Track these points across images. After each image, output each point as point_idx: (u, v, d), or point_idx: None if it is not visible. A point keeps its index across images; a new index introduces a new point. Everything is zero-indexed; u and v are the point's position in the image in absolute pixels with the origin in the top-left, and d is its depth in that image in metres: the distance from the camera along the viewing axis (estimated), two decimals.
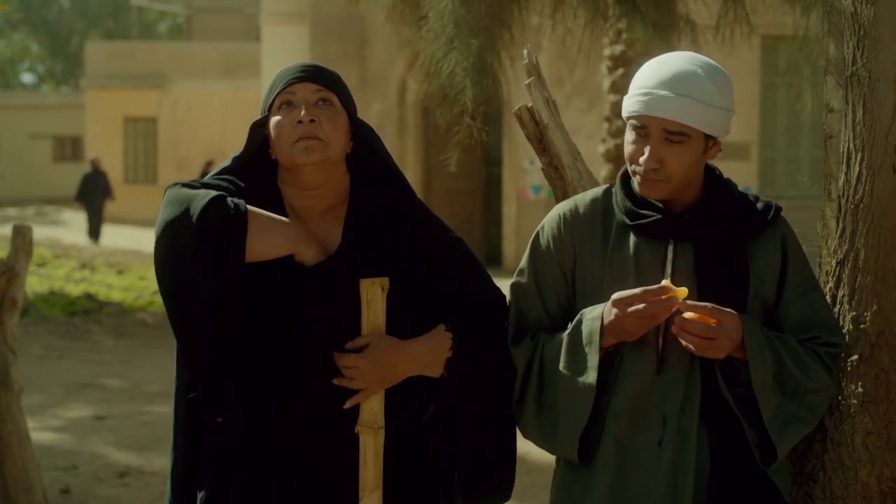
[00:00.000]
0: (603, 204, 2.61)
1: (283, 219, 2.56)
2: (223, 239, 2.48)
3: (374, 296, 2.53)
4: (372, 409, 2.54)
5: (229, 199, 2.51)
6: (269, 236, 2.52)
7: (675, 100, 2.45)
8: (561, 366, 2.54)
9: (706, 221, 2.52)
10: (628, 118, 2.51)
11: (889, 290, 2.64)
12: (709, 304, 2.44)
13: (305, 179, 2.61)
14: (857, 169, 2.65)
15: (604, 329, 2.49)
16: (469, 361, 2.58)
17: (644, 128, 2.48)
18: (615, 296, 2.48)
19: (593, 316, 2.51)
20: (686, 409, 2.49)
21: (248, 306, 2.53)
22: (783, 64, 15.12)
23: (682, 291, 2.44)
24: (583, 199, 2.65)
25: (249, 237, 2.50)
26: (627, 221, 2.54)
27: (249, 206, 2.53)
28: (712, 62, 2.53)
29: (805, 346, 2.54)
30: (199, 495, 2.61)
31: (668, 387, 2.49)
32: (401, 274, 2.59)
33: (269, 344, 2.55)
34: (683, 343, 2.44)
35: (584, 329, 2.52)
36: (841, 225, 2.70)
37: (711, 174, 2.58)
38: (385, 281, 2.54)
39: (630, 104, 2.50)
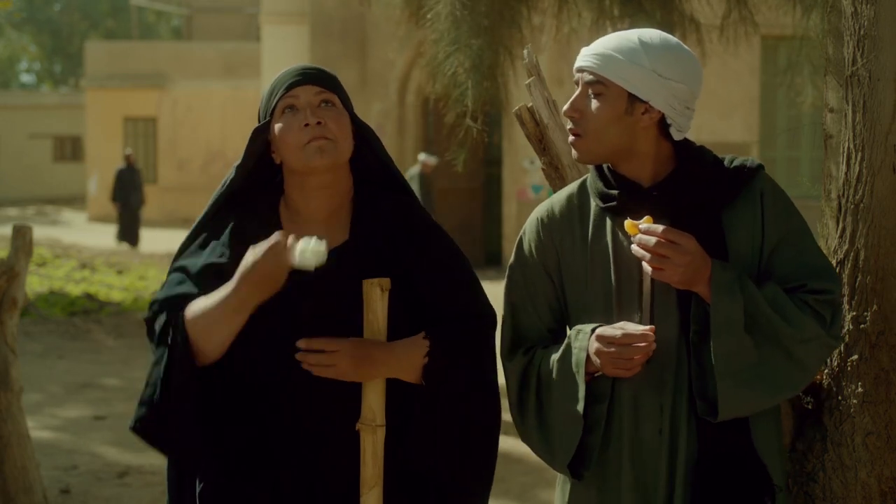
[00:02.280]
0: (579, 198, 2.61)
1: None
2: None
3: (373, 296, 2.54)
4: (371, 408, 2.55)
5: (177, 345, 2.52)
6: (262, 286, 2.51)
7: (596, 52, 2.51)
8: (553, 389, 2.57)
9: (677, 194, 2.49)
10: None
11: (889, 290, 2.64)
12: (662, 226, 2.42)
13: (314, 181, 2.61)
14: (856, 169, 2.65)
15: (590, 359, 2.50)
16: (444, 373, 2.56)
17: (577, 82, 2.55)
18: (599, 330, 2.48)
19: (579, 346, 2.52)
20: (678, 396, 2.48)
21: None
22: (783, 64, 15.12)
23: (647, 219, 2.44)
24: (558, 197, 2.65)
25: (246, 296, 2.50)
26: (600, 204, 2.55)
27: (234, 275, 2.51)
28: (668, 37, 2.54)
29: (792, 295, 2.47)
30: (198, 491, 2.62)
31: (662, 375, 2.49)
32: (400, 279, 2.59)
33: (270, 341, 2.55)
34: (645, 265, 2.43)
35: (572, 358, 2.53)
36: (841, 225, 2.70)
37: (684, 146, 2.55)
38: (385, 282, 2.54)
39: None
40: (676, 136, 2.51)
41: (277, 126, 2.60)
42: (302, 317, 2.56)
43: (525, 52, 3.07)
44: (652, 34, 2.52)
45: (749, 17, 6.71)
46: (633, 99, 2.48)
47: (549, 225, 2.61)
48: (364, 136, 2.67)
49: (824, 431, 2.68)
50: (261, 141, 2.64)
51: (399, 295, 2.58)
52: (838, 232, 2.71)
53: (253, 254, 2.46)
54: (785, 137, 14.83)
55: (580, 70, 2.53)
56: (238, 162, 2.68)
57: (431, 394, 2.57)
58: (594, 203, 2.57)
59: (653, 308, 2.49)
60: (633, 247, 2.43)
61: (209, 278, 2.57)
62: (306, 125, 2.56)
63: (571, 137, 2.54)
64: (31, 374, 8.73)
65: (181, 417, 2.54)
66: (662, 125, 2.51)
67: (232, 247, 2.62)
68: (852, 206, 2.66)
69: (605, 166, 2.57)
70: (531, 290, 2.62)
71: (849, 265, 2.67)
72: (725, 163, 2.54)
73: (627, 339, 2.43)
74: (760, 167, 2.54)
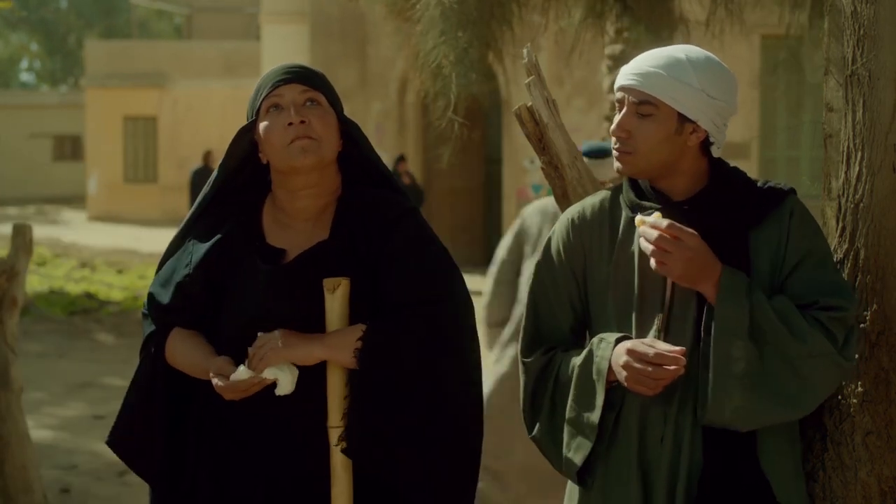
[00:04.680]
0: (611, 203, 2.61)
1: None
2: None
3: (326, 296, 2.53)
4: (336, 410, 2.53)
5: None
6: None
7: (645, 72, 2.48)
8: (570, 396, 2.55)
9: (706, 211, 2.50)
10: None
11: (889, 289, 2.64)
12: (667, 221, 2.42)
13: (299, 181, 2.60)
14: (856, 168, 2.64)
15: (611, 369, 2.48)
16: (379, 356, 2.49)
17: (621, 101, 2.53)
18: (630, 344, 2.45)
19: (602, 355, 2.50)
20: (684, 406, 2.48)
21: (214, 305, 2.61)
22: (783, 63, 15.11)
23: (657, 215, 2.44)
24: (591, 200, 2.65)
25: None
26: (630, 214, 2.55)
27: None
28: (711, 55, 2.53)
29: (803, 311, 2.45)
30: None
31: (673, 386, 2.47)
32: (373, 274, 2.57)
33: (245, 342, 2.54)
34: (649, 255, 2.43)
35: (594, 365, 2.52)
36: (841, 224, 2.70)
37: (718, 165, 2.56)
38: (337, 281, 2.52)
39: (616, 79, 2.56)
40: (716, 153, 2.53)
41: (262, 125, 2.60)
42: (277, 316, 2.54)
43: (525, 51, 3.07)
44: (697, 52, 2.52)
45: (737, 13, 6.68)
46: (682, 119, 2.48)
47: (579, 226, 2.61)
48: (352, 135, 2.66)
49: (824, 430, 2.68)
50: (247, 140, 2.64)
51: (368, 292, 2.55)
52: (838, 231, 2.71)
53: (221, 384, 2.51)
54: (785, 137, 14.83)
55: (624, 89, 2.51)
56: (221, 161, 2.68)
57: (367, 380, 2.49)
58: (625, 212, 2.57)
59: (669, 320, 2.49)
60: (639, 239, 2.44)
61: (179, 293, 2.63)
62: (290, 124, 2.55)
63: (617, 154, 2.53)
64: (31, 373, 8.73)
65: (151, 434, 2.64)
66: (704, 143, 2.52)
67: (210, 250, 2.63)
68: (852, 206, 2.66)
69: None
70: (556, 290, 2.62)
71: (849, 264, 2.67)
72: (759, 184, 2.55)
73: (660, 360, 2.40)
74: (792, 191, 2.54)
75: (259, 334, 2.51)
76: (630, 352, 2.44)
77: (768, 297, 2.46)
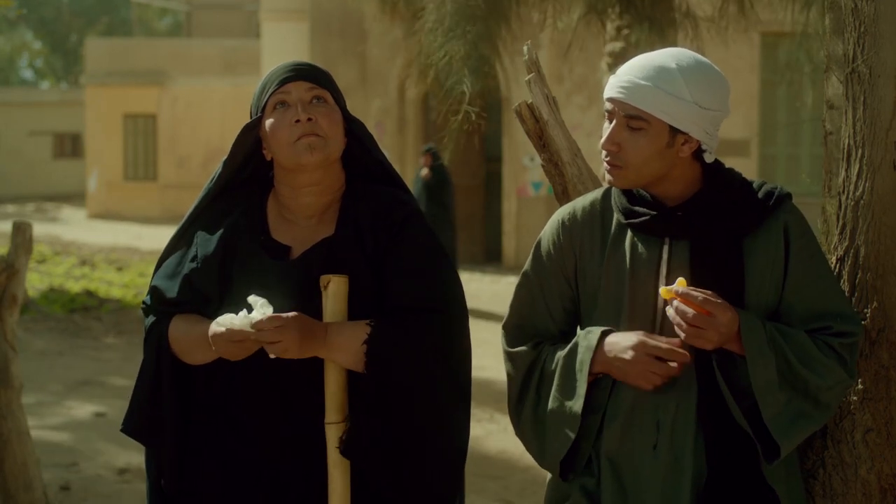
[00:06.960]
0: (602, 205, 2.60)
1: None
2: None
3: (323, 292, 2.54)
4: (333, 406, 2.54)
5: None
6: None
7: (636, 85, 2.44)
8: (554, 387, 2.55)
9: (700, 217, 2.48)
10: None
11: (889, 286, 2.64)
12: (701, 295, 2.40)
13: (304, 178, 2.60)
14: (857, 165, 2.64)
15: (595, 359, 2.48)
16: (385, 361, 2.51)
17: (611, 112, 2.50)
18: (642, 338, 2.45)
19: (587, 346, 2.50)
20: (680, 414, 2.47)
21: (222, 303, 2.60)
22: (783, 60, 15.10)
23: (680, 282, 2.43)
24: (582, 202, 2.64)
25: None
26: (622, 220, 2.53)
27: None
28: (702, 59, 2.50)
29: (816, 337, 2.48)
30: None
31: (662, 392, 2.48)
32: (377, 271, 2.58)
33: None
34: (676, 329, 2.42)
35: (578, 357, 2.51)
36: (841, 221, 2.70)
37: (713, 167, 2.53)
38: (330, 277, 2.53)
39: (605, 88, 2.53)
40: (709, 160, 2.51)
41: (268, 122, 2.60)
42: (284, 312, 2.53)
43: (525, 48, 3.07)
44: (687, 59, 2.48)
45: (749, 9, 6.69)
46: (674, 131, 2.45)
47: (570, 228, 2.60)
48: (356, 133, 2.66)
49: (824, 428, 2.68)
50: (252, 137, 2.64)
51: (372, 290, 2.56)
52: (838, 228, 2.70)
53: (214, 337, 2.51)
54: (785, 134, 14.83)
55: (614, 101, 2.48)
56: (226, 157, 2.69)
57: (373, 383, 2.52)
58: (616, 216, 2.56)
59: (664, 326, 2.49)
60: (669, 311, 2.42)
61: (187, 285, 2.63)
62: (297, 121, 2.56)
63: (608, 167, 2.51)
64: (31, 371, 8.74)
65: (166, 416, 2.63)
66: (696, 150, 2.50)
67: (215, 244, 2.63)
68: (852, 203, 2.66)
69: None
70: (547, 292, 2.61)
71: (849, 262, 2.67)
72: (755, 186, 2.53)
73: (671, 354, 2.42)
74: (788, 196, 2.53)
75: (269, 315, 2.46)
76: (643, 344, 2.43)
77: (781, 333, 2.46)
